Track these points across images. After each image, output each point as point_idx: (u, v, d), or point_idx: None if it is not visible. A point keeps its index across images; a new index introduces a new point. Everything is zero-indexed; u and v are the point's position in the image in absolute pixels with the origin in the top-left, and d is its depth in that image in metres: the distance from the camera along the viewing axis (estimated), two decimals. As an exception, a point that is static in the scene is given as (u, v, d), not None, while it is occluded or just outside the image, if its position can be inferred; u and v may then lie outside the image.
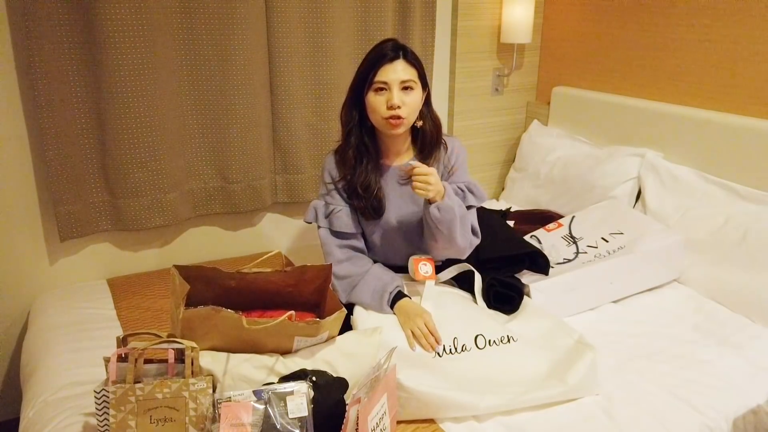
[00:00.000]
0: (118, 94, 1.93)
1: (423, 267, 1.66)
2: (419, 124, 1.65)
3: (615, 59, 2.53)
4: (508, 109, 2.89)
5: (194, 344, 1.26)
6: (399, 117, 1.57)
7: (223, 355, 1.32)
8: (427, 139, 1.67)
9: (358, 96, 1.62)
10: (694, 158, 2.19)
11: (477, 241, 1.71)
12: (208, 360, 1.30)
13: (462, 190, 1.70)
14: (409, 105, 1.57)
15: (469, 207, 1.70)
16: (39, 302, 1.97)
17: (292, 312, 1.35)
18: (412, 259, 1.69)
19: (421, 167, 1.53)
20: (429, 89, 1.66)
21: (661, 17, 2.31)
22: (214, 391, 1.27)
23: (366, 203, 1.67)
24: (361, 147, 1.66)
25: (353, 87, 1.64)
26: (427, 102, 1.67)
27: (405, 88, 1.57)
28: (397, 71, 1.56)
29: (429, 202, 1.57)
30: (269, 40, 2.17)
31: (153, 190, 2.08)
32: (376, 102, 1.57)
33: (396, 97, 1.55)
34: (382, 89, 1.57)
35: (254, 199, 2.29)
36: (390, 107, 1.55)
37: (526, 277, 1.84)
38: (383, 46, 1.60)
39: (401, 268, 1.76)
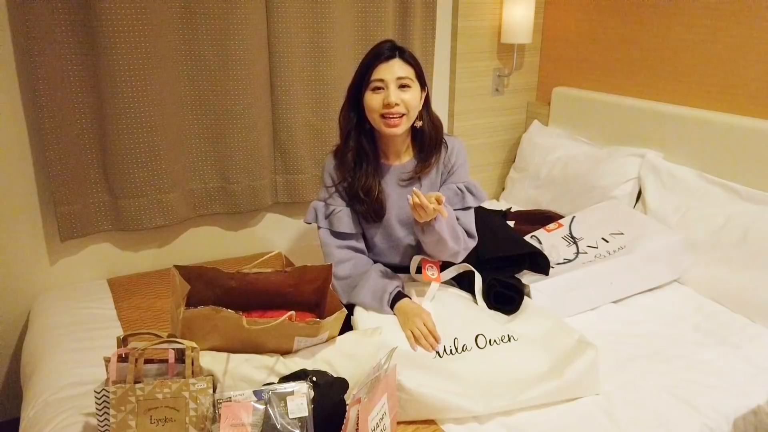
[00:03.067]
0: (119, 94, 1.93)
1: (430, 269, 1.67)
2: (418, 124, 1.65)
3: (615, 59, 2.53)
4: (509, 110, 2.89)
5: (194, 344, 1.26)
6: (397, 115, 1.57)
7: (224, 355, 1.32)
8: (426, 140, 1.67)
9: (356, 97, 1.62)
10: (694, 158, 2.19)
11: (473, 243, 1.71)
12: (209, 360, 1.30)
13: (461, 191, 1.70)
14: (407, 102, 1.57)
15: (467, 208, 1.70)
16: (39, 302, 1.97)
17: (293, 312, 1.35)
18: (420, 260, 1.69)
19: (420, 198, 1.46)
20: (428, 91, 1.66)
21: (662, 17, 2.32)
22: (214, 391, 1.27)
23: (368, 207, 1.67)
24: (359, 150, 1.66)
25: (351, 88, 1.64)
26: (426, 103, 1.67)
27: (402, 86, 1.57)
28: (394, 69, 1.56)
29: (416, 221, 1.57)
30: (269, 41, 2.17)
31: (153, 190, 2.08)
32: (373, 101, 1.57)
33: (393, 94, 1.55)
34: (378, 88, 1.57)
35: (254, 200, 2.29)
36: (387, 105, 1.55)
37: (527, 278, 1.84)
38: (380, 46, 1.60)
39: (401, 268, 1.77)
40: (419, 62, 1.63)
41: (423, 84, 1.63)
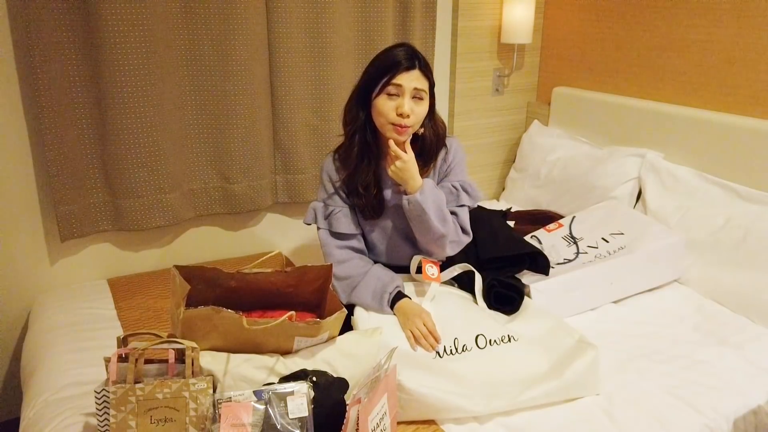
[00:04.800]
0: (119, 94, 1.93)
1: (430, 269, 1.66)
2: (420, 131, 1.65)
3: (615, 59, 2.53)
4: (509, 110, 2.89)
5: (194, 344, 1.26)
6: (406, 126, 1.57)
7: (224, 355, 1.32)
8: (427, 146, 1.67)
9: (365, 97, 1.62)
10: (694, 158, 2.19)
11: (467, 239, 1.71)
12: (209, 360, 1.30)
13: (456, 189, 1.70)
14: (417, 114, 1.57)
15: (461, 206, 1.70)
16: (39, 302, 1.97)
17: (293, 312, 1.35)
18: (420, 260, 1.69)
19: (399, 153, 1.57)
20: (434, 99, 1.66)
21: (662, 17, 2.32)
22: (214, 391, 1.27)
23: (366, 202, 1.68)
24: (364, 147, 1.66)
25: (361, 88, 1.63)
26: (431, 111, 1.66)
27: (415, 97, 1.57)
28: (412, 80, 1.55)
29: (405, 192, 1.60)
30: (269, 40, 2.17)
31: (153, 190, 2.08)
32: (385, 106, 1.57)
33: (407, 104, 1.55)
34: (394, 94, 1.56)
35: (255, 200, 2.29)
36: (399, 114, 1.55)
37: (527, 278, 1.84)
38: (397, 51, 1.58)
39: (401, 268, 1.77)
40: (432, 73, 1.63)
41: (432, 94, 1.63)
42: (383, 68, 1.57)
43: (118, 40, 1.89)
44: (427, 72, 1.59)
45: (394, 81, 1.55)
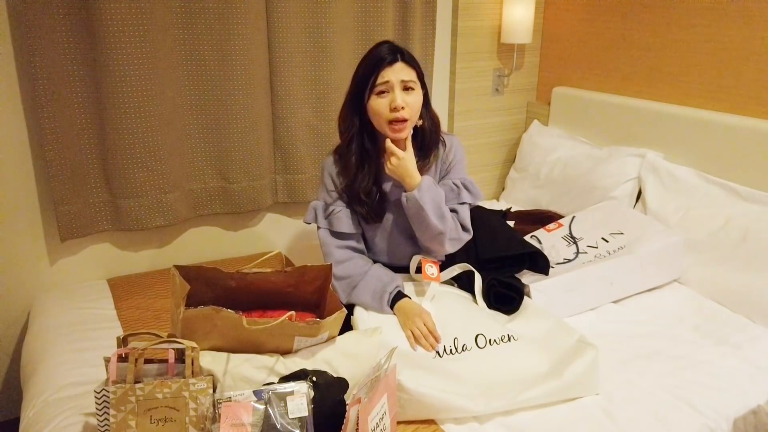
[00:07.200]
0: (119, 93, 1.93)
1: (429, 269, 1.67)
2: (420, 123, 1.65)
3: (615, 59, 2.53)
4: (509, 110, 2.89)
5: (194, 344, 1.26)
6: (403, 120, 1.57)
7: (224, 355, 1.32)
8: (427, 138, 1.68)
9: (358, 102, 1.62)
10: (694, 158, 2.19)
11: (467, 236, 1.72)
12: (209, 360, 1.30)
13: (457, 186, 1.71)
14: (412, 105, 1.58)
15: (462, 204, 1.71)
16: (39, 302, 1.97)
17: (293, 312, 1.35)
18: (420, 259, 1.69)
19: (395, 150, 1.58)
20: (427, 89, 1.66)
21: (662, 17, 2.32)
22: (214, 391, 1.27)
23: (368, 208, 1.68)
24: (363, 153, 1.66)
25: (352, 93, 1.63)
26: (426, 102, 1.67)
27: (406, 89, 1.57)
28: (397, 72, 1.56)
29: (404, 190, 1.62)
30: (269, 40, 2.17)
31: (153, 190, 2.08)
32: (378, 105, 1.57)
33: (399, 97, 1.55)
34: (384, 92, 1.57)
35: (254, 199, 2.29)
36: (394, 109, 1.55)
37: (527, 277, 1.84)
38: (379, 49, 1.59)
39: (401, 269, 1.77)
40: (419, 63, 1.63)
41: (423, 84, 1.64)
42: (368, 69, 1.58)
43: (118, 39, 1.89)
44: (413, 62, 1.60)
45: (381, 78, 1.55)
